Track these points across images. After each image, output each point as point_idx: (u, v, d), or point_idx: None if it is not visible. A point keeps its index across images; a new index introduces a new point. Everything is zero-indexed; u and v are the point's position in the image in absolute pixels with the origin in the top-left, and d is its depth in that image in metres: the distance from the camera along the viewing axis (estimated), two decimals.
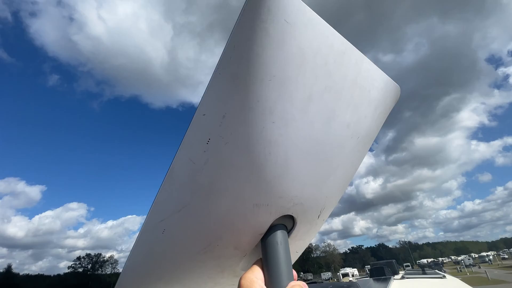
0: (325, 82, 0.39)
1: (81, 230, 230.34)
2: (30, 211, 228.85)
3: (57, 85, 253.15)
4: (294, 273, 0.43)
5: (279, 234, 0.44)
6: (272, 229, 0.44)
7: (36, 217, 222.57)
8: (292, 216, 0.46)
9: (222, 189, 0.40)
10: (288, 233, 0.47)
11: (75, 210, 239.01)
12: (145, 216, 0.45)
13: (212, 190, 0.40)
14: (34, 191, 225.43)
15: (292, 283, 0.39)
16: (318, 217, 0.51)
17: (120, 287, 0.51)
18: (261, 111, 0.36)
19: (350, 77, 0.41)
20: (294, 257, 0.52)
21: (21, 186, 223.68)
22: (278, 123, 0.38)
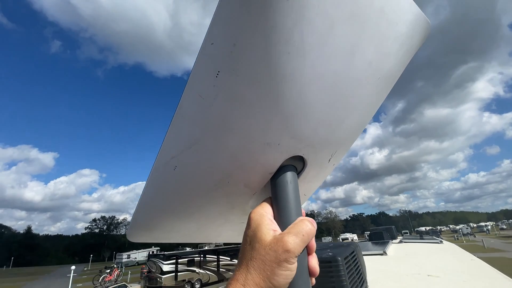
0: (349, 8, 0.33)
1: (95, 195, 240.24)
2: (45, 177, 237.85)
3: (60, 51, 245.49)
4: (303, 210, 0.43)
5: (289, 174, 0.44)
6: (282, 169, 0.44)
7: (52, 182, 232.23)
8: (303, 158, 0.45)
9: (233, 126, 0.39)
10: (297, 174, 0.47)
11: (88, 176, 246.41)
12: None
13: (222, 127, 0.39)
14: (47, 158, 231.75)
15: (301, 217, 0.39)
16: (329, 161, 0.50)
17: (134, 221, 0.54)
18: (276, 39, 0.32)
19: (378, 4, 0.35)
20: (303, 200, 0.52)
21: (34, 153, 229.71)
22: (294, 54, 0.33)
